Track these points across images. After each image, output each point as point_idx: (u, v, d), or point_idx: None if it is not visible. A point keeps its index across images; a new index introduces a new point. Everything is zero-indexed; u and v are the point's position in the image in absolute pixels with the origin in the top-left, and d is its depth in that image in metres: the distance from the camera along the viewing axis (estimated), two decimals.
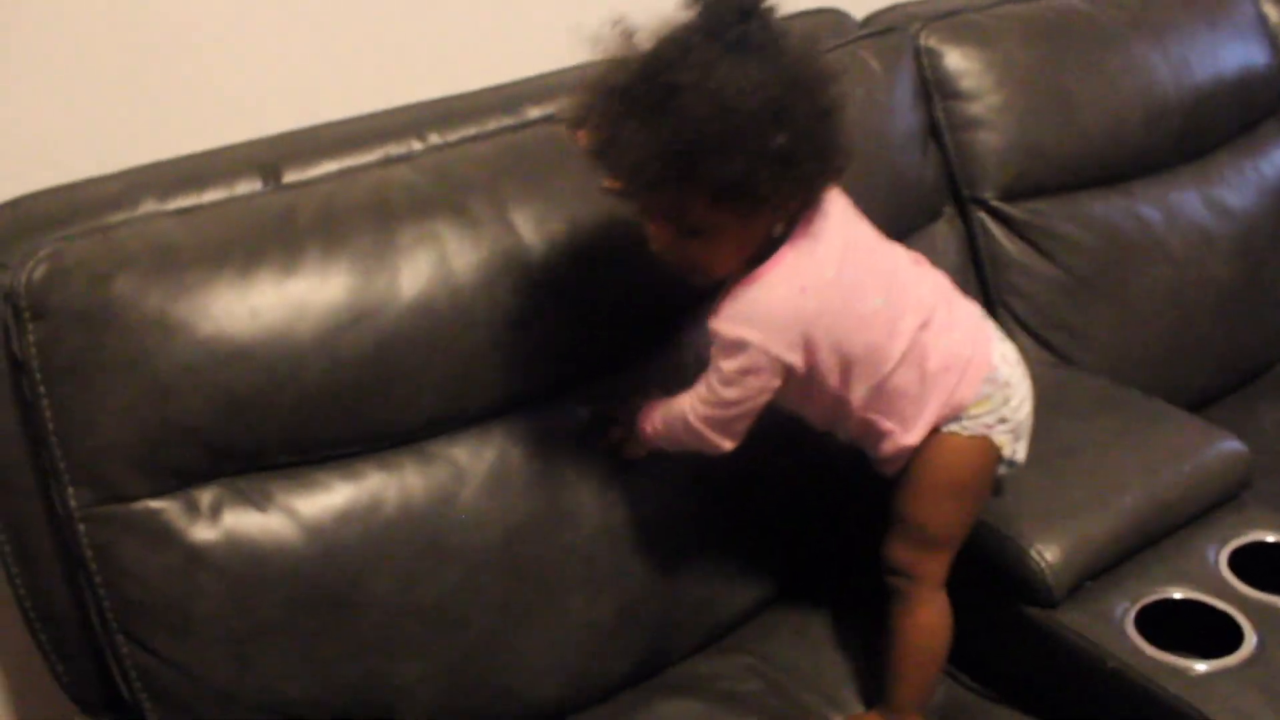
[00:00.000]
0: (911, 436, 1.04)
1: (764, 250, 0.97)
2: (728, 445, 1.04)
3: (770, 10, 0.91)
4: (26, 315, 0.97)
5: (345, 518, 1.05)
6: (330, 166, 1.16)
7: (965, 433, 1.04)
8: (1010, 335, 1.48)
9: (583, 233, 1.13)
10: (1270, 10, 1.73)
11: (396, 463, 1.08)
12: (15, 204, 1.08)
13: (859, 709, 1.17)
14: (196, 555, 1.00)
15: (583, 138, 0.94)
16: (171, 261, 1.00)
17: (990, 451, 1.06)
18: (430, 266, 1.07)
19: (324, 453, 1.06)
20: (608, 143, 0.91)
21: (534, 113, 1.24)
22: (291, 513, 1.03)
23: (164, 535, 1.00)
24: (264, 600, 1.02)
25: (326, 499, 1.05)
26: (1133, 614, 1.11)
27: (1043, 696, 1.15)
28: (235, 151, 1.17)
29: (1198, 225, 1.56)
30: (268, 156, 1.16)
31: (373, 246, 1.06)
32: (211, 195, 1.11)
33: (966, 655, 1.16)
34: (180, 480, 1.01)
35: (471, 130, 1.22)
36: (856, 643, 1.23)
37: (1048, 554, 1.12)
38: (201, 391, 0.99)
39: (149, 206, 1.08)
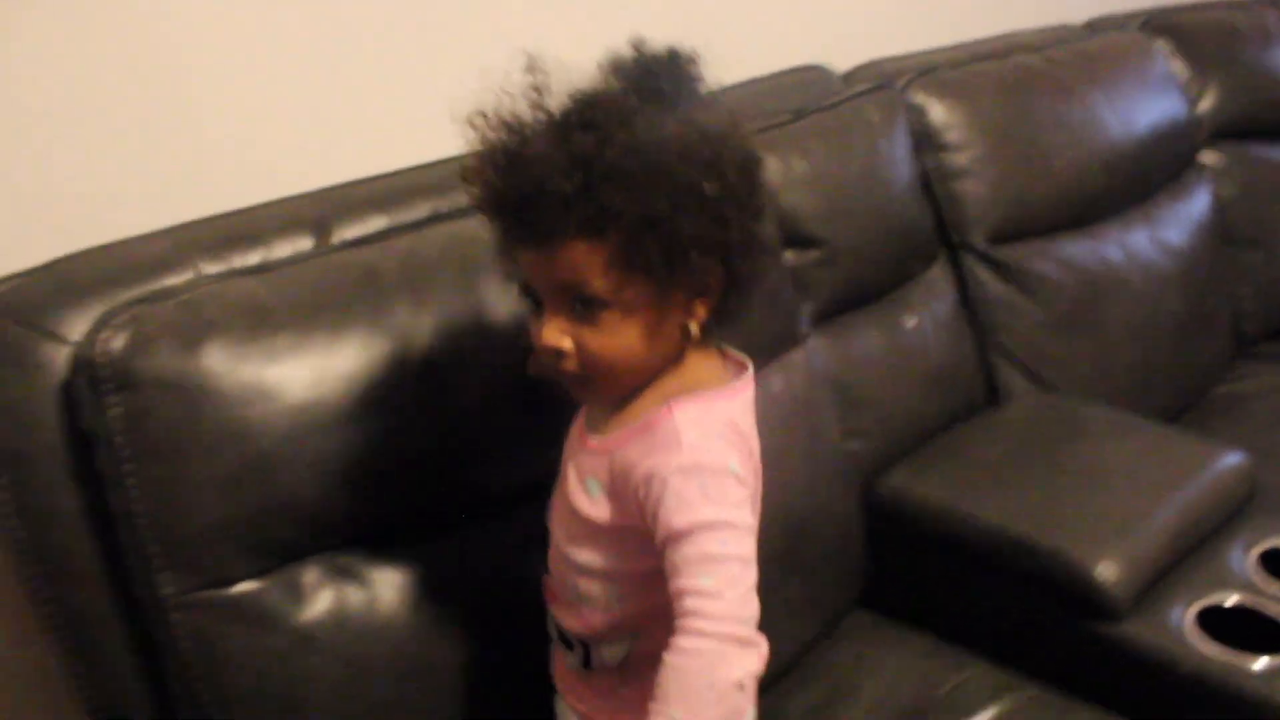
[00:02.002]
0: None
1: (673, 355, 0.85)
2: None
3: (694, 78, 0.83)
4: (109, 387, 0.90)
5: (450, 587, 1.00)
6: (379, 221, 1.13)
7: None
8: (1005, 369, 1.57)
9: None
10: (1176, 67, 1.90)
11: (495, 530, 1.04)
12: (51, 266, 1.00)
13: None
14: (305, 637, 0.94)
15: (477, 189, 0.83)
16: (262, 325, 0.95)
17: None
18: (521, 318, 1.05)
19: (425, 521, 1.01)
20: (515, 191, 0.79)
21: None
22: (395, 585, 0.98)
23: (270, 619, 0.93)
24: (375, 679, 0.96)
25: (429, 568, 1.00)
26: (1191, 619, 1.17)
27: (1108, 705, 1.20)
28: (278, 208, 1.12)
29: (1151, 263, 1.69)
30: (312, 212, 1.12)
31: (462, 303, 1.03)
32: (264, 254, 1.06)
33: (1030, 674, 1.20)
34: (281, 558, 0.95)
35: None
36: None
37: (1110, 571, 1.18)
38: (303, 462, 0.94)
39: (204, 266, 1.03)
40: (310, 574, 0.95)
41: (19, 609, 1.01)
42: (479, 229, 1.07)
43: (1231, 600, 1.19)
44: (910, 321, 1.47)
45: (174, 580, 0.91)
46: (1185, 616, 1.18)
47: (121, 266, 1.01)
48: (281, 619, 0.93)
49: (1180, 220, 1.77)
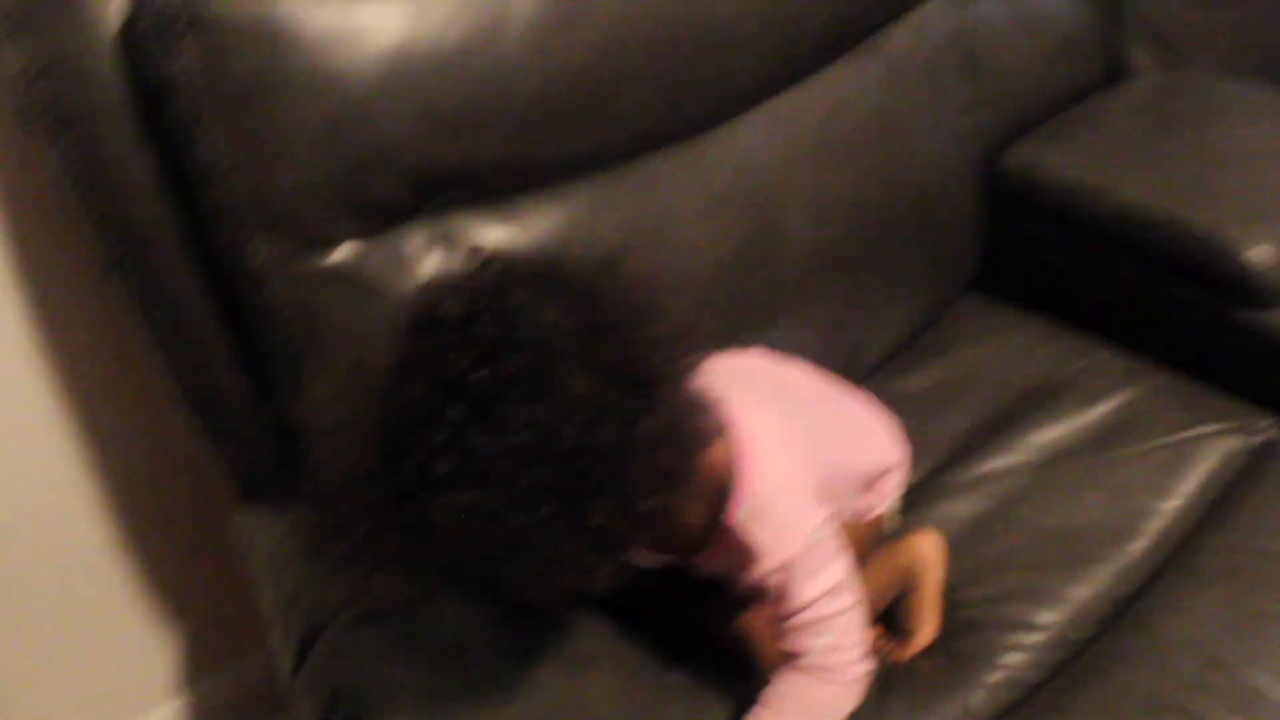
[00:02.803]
0: None
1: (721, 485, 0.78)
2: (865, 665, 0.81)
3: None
4: (177, 30, 0.78)
5: (566, 243, 0.92)
6: None
7: None
8: (1137, 40, 1.40)
9: None
10: None
11: (608, 186, 0.95)
12: None
13: None
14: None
15: None
16: None
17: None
18: None
19: (534, 177, 0.92)
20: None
21: None
22: (512, 244, 0.91)
23: (371, 286, 0.86)
24: None
25: (540, 229, 0.92)
26: None
27: (1243, 395, 1.14)
28: None
29: None
30: None
31: None
32: None
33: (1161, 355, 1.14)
34: (384, 220, 0.87)
35: None
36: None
37: (1264, 255, 1.08)
38: (404, 111, 0.84)
39: None
40: (416, 238, 0.87)
41: (94, 288, 0.96)
42: None
43: None
44: None
45: (269, 245, 0.83)
46: None
47: None
48: (384, 286, 0.87)
49: None
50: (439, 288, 0.69)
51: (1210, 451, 1.04)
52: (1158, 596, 0.93)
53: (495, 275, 0.69)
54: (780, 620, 0.78)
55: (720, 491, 0.77)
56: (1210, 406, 1.08)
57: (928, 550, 0.95)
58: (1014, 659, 0.91)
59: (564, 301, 0.67)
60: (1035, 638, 0.92)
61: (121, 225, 0.87)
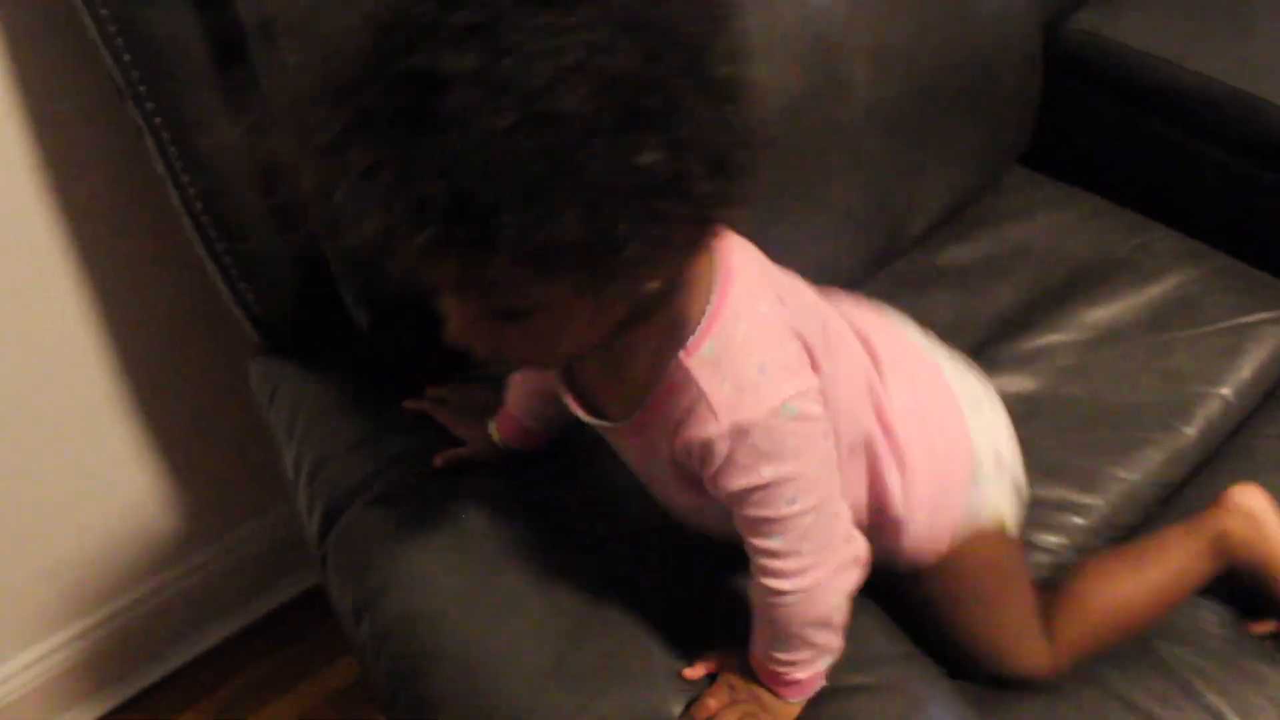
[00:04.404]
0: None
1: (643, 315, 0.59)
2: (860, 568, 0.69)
3: None
4: None
5: None
6: None
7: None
8: None
9: None
10: None
11: None
12: None
13: None
14: None
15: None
16: None
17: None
18: None
19: None
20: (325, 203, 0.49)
21: None
22: None
23: None
24: None
25: None
26: None
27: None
28: None
29: None
30: None
31: None
32: None
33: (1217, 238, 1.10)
34: None
35: None
36: None
37: None
38: None
39: None
40: None
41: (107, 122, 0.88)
42: None
43: None
44: None
45: None
46: None
47: None
48: None
49: None
50: None
51: (1266, 338, 1.01)
52: (1206, 485, 0.92)
53: None
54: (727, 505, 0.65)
55: (680, 320, 0.61)
56: (1269, 292, 1.05)
57: (1250, 501, 0.83)
58: (1055, 540, 0.90)
59: None
60: (1079, 520, 0.91)
61: (142, 42, 0.80)
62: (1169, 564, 0.83)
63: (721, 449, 0.61)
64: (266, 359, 0.95)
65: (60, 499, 1.10)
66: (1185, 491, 0.92)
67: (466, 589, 0.73)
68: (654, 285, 0.55)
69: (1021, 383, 0.99)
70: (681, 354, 0.61)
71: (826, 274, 1.04)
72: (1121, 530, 0.91)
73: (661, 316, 0.60)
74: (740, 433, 0.61)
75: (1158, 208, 1.14)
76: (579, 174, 0.46)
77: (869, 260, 1.08)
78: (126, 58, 0.80)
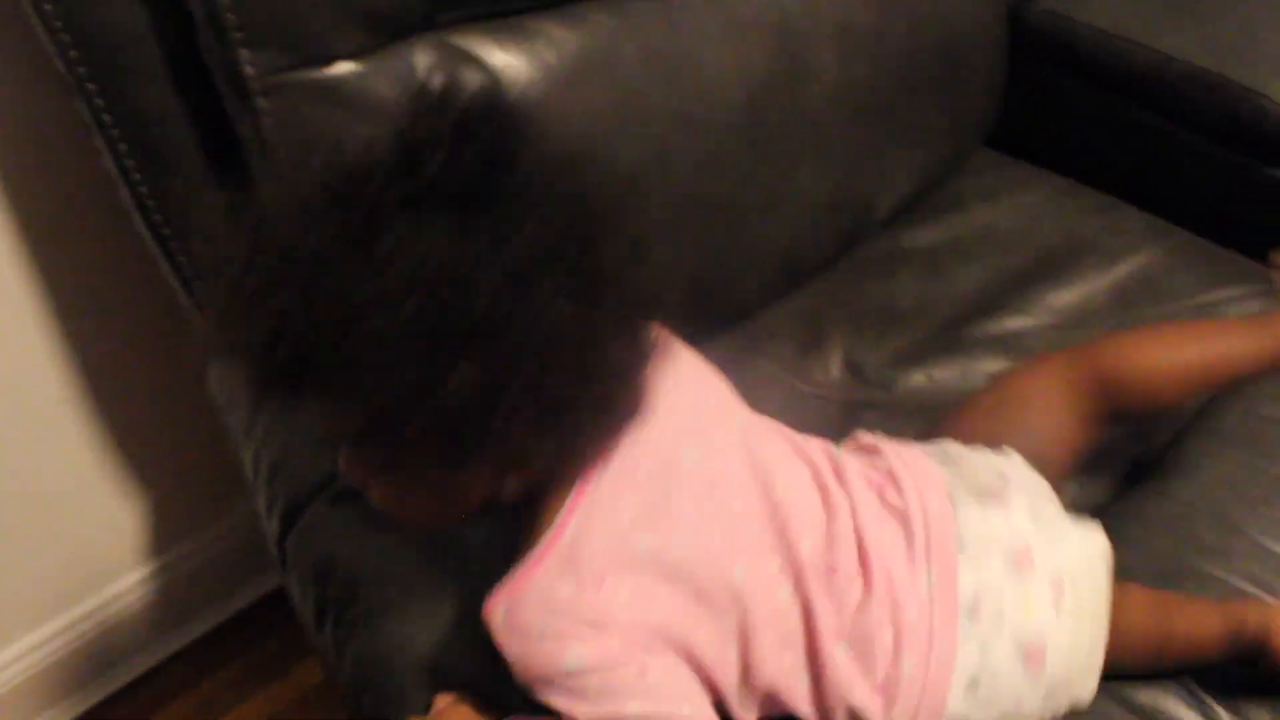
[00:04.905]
0: None
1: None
2: None
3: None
4: None
5: (584, 72, 0.85)
6: None
7: None
8: None
9: None
10: None
11: (628, 12, 0.87)
12: None
13: None
14: None
15: None
16: None
17: None
18: None
19: None
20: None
21: None
22: (523, 69, 0.83)
23: (373, 106, 0.78)
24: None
25: (555, 54, 0.84)
26: None
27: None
28: None
29: None
30: None
31: None
32: None
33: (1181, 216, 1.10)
34: (385, 34, 0.79)
35: None
36: None
37: None
38: None
39: None
40: (421, 56, 0.80)
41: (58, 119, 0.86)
42: None
43: None
44: None
45: (260, 57, 0.75)
46: None
47: None
48: (386, 108, 0.79)
49: None
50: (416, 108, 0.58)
51: (1232, 314, 1.01)
52: (1175, 460, 0.92)
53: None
54: None
55: (531, 529, 0.61)
56: (1233, 269, 1.05)
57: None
58: None
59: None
60: None
61: (96, 37, 0.78)
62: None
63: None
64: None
65: (23, 503, 1.09)
66: (1154, 467, 0.92)
67: (428, 586, 0.72)
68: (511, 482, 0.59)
69: (992, 364, 0.98)
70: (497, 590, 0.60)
71: (795, 259, 1.06)
72: (1093, 508, 0.91)
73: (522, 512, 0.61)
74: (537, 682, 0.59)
75: (1125, 188, 1.13)
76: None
77: (836, 244, 1.08)
78: (73, 54, 0.78)
